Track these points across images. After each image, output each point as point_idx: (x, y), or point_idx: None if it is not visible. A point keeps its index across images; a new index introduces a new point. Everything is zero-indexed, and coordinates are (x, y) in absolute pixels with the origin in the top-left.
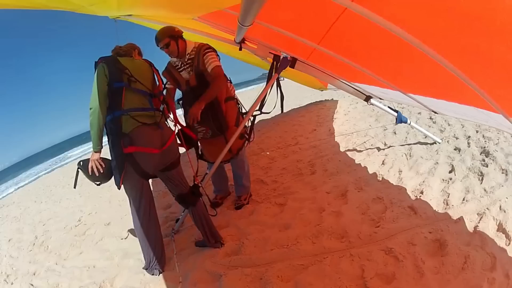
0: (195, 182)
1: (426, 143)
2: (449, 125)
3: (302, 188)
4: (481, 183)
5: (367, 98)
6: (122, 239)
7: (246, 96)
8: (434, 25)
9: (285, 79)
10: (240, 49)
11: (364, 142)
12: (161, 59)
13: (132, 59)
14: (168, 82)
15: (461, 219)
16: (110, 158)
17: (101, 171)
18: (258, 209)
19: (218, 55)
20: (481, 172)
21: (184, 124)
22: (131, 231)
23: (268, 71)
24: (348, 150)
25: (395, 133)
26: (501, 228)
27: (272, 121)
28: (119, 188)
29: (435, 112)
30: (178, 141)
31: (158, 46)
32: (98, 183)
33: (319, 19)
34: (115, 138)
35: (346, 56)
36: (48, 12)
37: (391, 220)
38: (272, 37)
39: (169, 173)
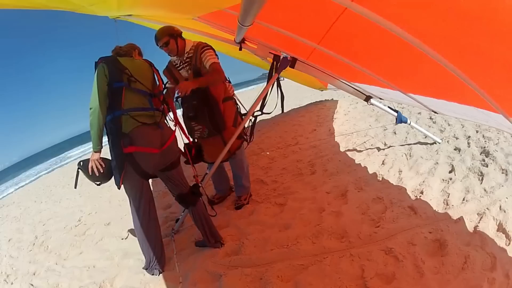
0: (195, 182)
1: (426, 143)
2: (449, 125)
3: (302, 188)
4: (481, 183)
5: (367, 98)
6: (122, 239)
7: (246, 96)
8: (434, 25)
9: (285, 79)
10: (240, 49)
11: (364, 142)
12: (161, 59)
13: (132, 59)
14: (169, 82)
15: (461, 219)
16: (110, 158)
17: (101, 171)
18: (258, 209)
19: (216, 53)
20: (481, 172)
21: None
22: (131, 231)
23: (268, 71)
24: (348, 150)
25: (395, 133)
26: (501, 228)
27: (272, 121)
28: (119, 188)
29: (435, 112)
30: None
31: (157, 45)
32: (98, 183)
33: (319, 19)
34: (115, 138)
35: (346, 56)
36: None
37: (391, 220)
38: (272, 37)
39: (169, 173)
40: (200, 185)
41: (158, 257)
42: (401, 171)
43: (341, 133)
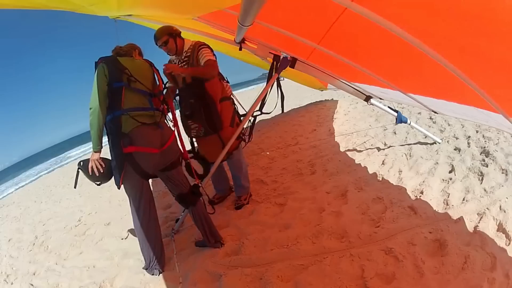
0: (195, 182)
1: (426, 143)
2: (449, 125)
3: (302, 188)
4: (481, 183)
5: (367, 98)
6: (122, 239)
7: (246, 96)
8: (434, 25)
9: (285, 79)
10: (240, 49)
11: (364, 142)
12: (161, 59)
13: (132, 59)
14: (169, 82)
15: (461, 219)
16: (110, 158)
17: (101, 171)
18: (258, 209)
19: (213, 52)
20: (481, 172)
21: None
22: (131, 231)
23: (268, 71)
24: (348, 150)
25: (395, 133)
26: (501, 228)
27: (272, 121)
28: (119, 188)
29: (435, 112)
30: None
31: (156, 44)
32: (98, 183)
33: (319, 19)
34: (115, 137)
35: (346, 56)
36: (48, 12)
37: (391, 220)
38: (272, 37)
39: (169, 173)
40: (200, 185)
41: (158, 257)
42: (401, 171)
43: (341, 133)
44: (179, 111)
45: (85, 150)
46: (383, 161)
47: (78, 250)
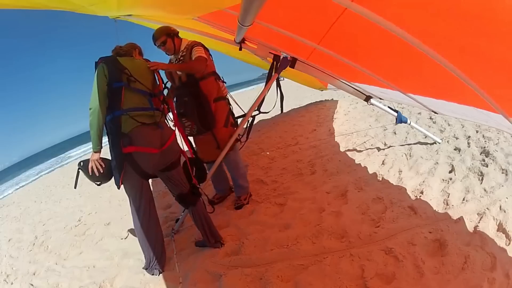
0: (193, 182)
1: (426, 143)
2: (449, 125)
3: (302, 188)
4: (481, 183)
5: (367, 98)
6: (122, 239)
7: (246, 96)
8: (434, 25)
9: (285, 79)
10: (240, 49)
11: (364, 142)
12: (161, 59)
13: (132, 59)
14: (168, 81)
15: (461, 219)
16: (110, 158)
17: (101, 171)
18: (258, 209)
19: (208, 51)
20: (481, 172)
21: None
22: (131, 231)
23: (268, 71)
24: (348, 150)
25: (395, 133)
26: (501, 228)
27: (272, 121)
28: (118, 188)
29: (435, 112)
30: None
31: (155, 44)
32: (98, 183)
33: (319, 19)
34: (115, 138)
35: (346, 56)
36: (48, 12)
37: (391, 220)
38: (272, 37)
39: (169, 173)
40: (199, 185)
41: (158, 257)
42: (401, 171)
43: (341, 133)
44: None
45: (85, 150)
46: (383, 161)
47: (78, 250)
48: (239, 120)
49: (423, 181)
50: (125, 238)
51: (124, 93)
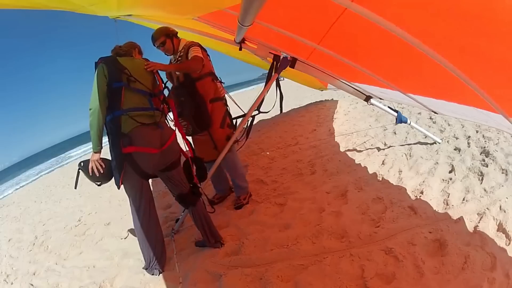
0: (194, 182)
1: (426, 143)
2: (449, 125)
3: (302, 188)
4: (481, 183)
5: (367, 98)
6: (122, 239)
7: (246, 96)
8: (434, 25)
9: (285, 79)
10: (240, 49)
11: (364, 142)
12: (160, 58)
13: (132, 59)
14: (168, 81)
15: (461, 219)
16: (110, 159)
17: (102, 172)
18: (258, 209)
19: (205, 51)
20: (481, 172)
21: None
22: (131, 231)
23: (268, 71)
24: (348, 150)
25: (395, 133)
26: (501, 228)
27: (272, 121)
28: (118, 188)
29: (435, 112)
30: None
31: (154, 45)
32: (99, 183)
33: (319, 19)
34: (115, 138)
35: (346, 56)
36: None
37: (391, 220)
38: (272, 37)
39: (169, 173)
40: (199, 185)
41: (158, 257)
42: (401, 171)
43: (341, 133)
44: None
45: (85, 150)
46: (383, 161)
47: (78, 250)
48: (238, 120)
49: (423, 181)
50: (125, 238)
51: (124, 93)
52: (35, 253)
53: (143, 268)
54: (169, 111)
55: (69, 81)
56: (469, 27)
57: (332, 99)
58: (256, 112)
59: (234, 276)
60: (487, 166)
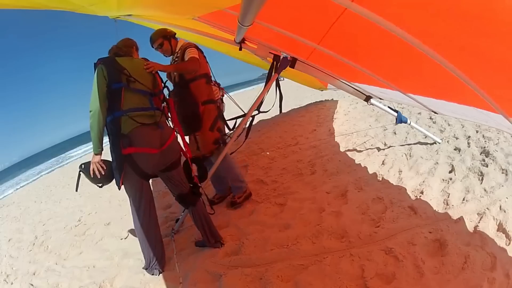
0: (194, 181)
1: (426, 143)
2: (449, 125)
3: (302, 188)
4: (481, 183)
5: (367, 98)
6: (122, 239)
7: (246, 96)
8: (434, 25)
9: (285, 79)
10: (240, 49)
11: (364, 142)
12: (159, 58)
13: (131, 59)
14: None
15: (461, 219)
16: (110, 159)
17: (103, 173)
18: (258, 209)
19: (202, 52)
20: (481, 172)
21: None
22: (131, 231)
23: (268, 71)
24: (348, 150)
25: (395, 133)
26: (501, 228)
27: (272, 121)
28: (119, 189)
29: (435, 112)
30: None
31: (152, 46)
32: (100, 185)
33: (319, 19)
34: (115, 139)
35: (346, 56)
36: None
37: (391, 220)
38: (272, 37)
39: (170, 173)
40: (199, 185)
41: (158, 257)
42: (401, 171)
43: (341, 133)
44: None
45: (85, 150)
46: (383, 161)
47: (78, 250)
48: (238, 120)
49: (423, 181)
50: (125, 238)
51: (124, 94)
52: (35, 253)
53: (143, 268)
54: (169, 111)
55: (69, 81)
56: (469, 27)
57: (332, 99)
58: (256, 112)
59: (234, 276)
60: (487, 166)
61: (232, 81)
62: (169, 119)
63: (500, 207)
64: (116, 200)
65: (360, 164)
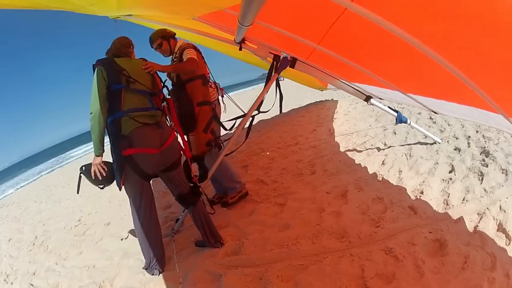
0: (194, 181)
1: (426, 143)
2: (449, 125)
3: (302, 188)
4: (481, 183)
5: (367, 98)
6: (122, 239)
7: (246, 96)
8: (434, 25)
9: (285, 79)
10: (240, 49)
11: (364, 142)
12: (158, 58)
13: (130, 60)
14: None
15: (461, 219)
16: (111, 161)
17: (104, 175)
18: (258, 209)
19: (200, 53)
20: (481, 172)
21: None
22: (131, 231)
23: (268, 71)
24: (348, 150)
25: (395, 133)
26: (501, 228)
27: (272, 121)
28: (120, 190)
29: (435, 112)
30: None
31: (152, 47)
32: (101, 186)
33: (319, 19)
34: (116, 140)
35: (346, 56)
36: (48, 12)
37: (391, 220)
38: (272, 37)
39: (170, 174)
40: (199, 185)
41: (158, 257)
42: (401, 171)
43: (341, 133)
44: None
45: (86, 150)
46: (383, 161)
47: (78, 250)
48: (238, 120)
49: (423, 181)
50: (125, 239)
51: (124, 95)
52: (35, 253)
53: (143, 268)
54: (169, 110)
55: (69, 81)
56: (469, 27)
57: (332, 99)
58: (256, 112)
59: (234, 276)
60: (487, 166)
61: (232, 81)
62: (169, 118)
63: (500, 207)
64: (116, 200)
65: (360, 164)
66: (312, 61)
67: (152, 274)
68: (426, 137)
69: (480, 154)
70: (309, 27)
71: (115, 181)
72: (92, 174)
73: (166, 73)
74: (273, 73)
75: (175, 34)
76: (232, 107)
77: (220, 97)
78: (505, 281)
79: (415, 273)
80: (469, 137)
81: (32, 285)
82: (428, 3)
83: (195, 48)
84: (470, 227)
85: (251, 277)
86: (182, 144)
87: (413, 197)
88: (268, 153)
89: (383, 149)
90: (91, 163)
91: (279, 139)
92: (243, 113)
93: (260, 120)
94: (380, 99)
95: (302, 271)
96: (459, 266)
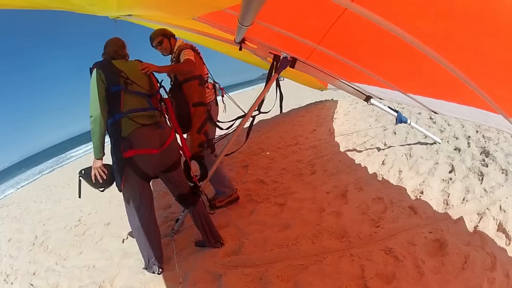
0: (194, 181)
1: (426, 143)
2: (449, 125)
3: (302, 188)
4: (481, 183)
5: (367, 98)
6: (123, 240)
7: (246, 96)
8: (434, 25)
9: (285, 79)
10: (240, 49)
11: (364, 142)
12: (157, 59)
13: (126, 61)
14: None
15: (461, 219)
16: (111, 163)
17: (105, 178)
18: (258, 209)
19: (198, 53)
20: (481, 172)
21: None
22: (131, 231)
23: (268, 71)
24: (348, 150)
25: (395, 133)
26: (501, 228)
27: (272, 121)
28: (120, 191)
29: (435, 112)
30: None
31: (152, 45)
32: (102, 189)
33: (319, 19)
34: (116, 141)
35: (346, 56)
36: (48, 12)
37: (391, 220)
38: (272, 37)
39: (170, 174)
40: (199, 183)
41: (157, 258)
42: (401, 171)
43: (341, 133)
44: None
45: (86, 150)
46: (383, 161)
47: (78, 250)
48: (238, 121)
49: (423, 181)
50: (126, 239)
51: (123, 96)
52: (35, 253)
53: (143, 268)
54: (167, 111)
55: (69, 81)
56: (469, 27)
57: (332, 99)
58: (256, 112)
59: (234, 276)
60: (487, 166)
61: (232, 81)
62: (168, 118)
63: (500, 207)
64: (116, 200)
65: (360, 164)
66: (312, 61)
67: (153, 272)
68: (426, 137)
69: (480, 154)
70: (309, 27)
71: (114, 183)
72: (93, 177)
73: (166, 73)
74: (273, 73)
75: (174, 35)
76: (232, 107)
77: (220, 97)
78: (505, 281)
79: (415, 273)
80: (469, 137)
81: (32, 285)
82: (428, 3)
83: (193, 48)
84: (470, 227)
85: (251, 277)
86: (181, 144)
87: (413, 197)
88: (268, 153)
89: (383, 149)
90: (90, 167)
91: (279, 139)
92: (243, 113)
93: (260, 120)
94: (380, 99)
95: (302, 271)
96: (459, 266)
